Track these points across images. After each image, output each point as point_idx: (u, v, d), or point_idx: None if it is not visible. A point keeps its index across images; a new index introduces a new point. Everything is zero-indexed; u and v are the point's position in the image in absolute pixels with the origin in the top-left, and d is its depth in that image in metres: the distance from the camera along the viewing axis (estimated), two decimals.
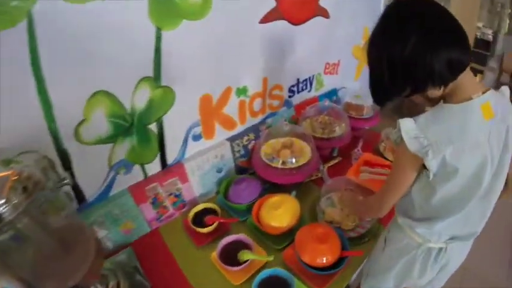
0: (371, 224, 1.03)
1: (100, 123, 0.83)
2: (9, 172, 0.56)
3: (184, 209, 1.15)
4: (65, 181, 0.65)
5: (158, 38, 0.83)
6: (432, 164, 0.63)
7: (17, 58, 0.64)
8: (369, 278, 0.96)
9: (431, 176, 0.65)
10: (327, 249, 0.83)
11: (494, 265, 1.80)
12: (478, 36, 6.51)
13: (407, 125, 0.63)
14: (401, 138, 0.63)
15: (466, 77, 0.63)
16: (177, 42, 0.87)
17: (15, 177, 0.56)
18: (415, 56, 0.60)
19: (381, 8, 1.72)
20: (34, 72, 0.67)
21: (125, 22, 0.76)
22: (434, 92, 0.65)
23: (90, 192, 0.92)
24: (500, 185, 0.71)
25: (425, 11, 0.62)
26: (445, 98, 0.67)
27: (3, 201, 0.52)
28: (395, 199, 0.74)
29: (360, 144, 1.46)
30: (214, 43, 0.97)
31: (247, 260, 0.88)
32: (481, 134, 0.62)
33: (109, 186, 0.96)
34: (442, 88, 0.63)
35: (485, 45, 5.94)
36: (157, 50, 0.84)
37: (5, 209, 0.52)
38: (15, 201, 0.53)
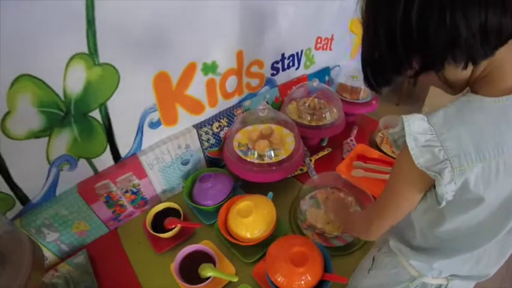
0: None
1: (29, 114, 0.67)
2: None
3: (146, 207, 0.99)
4: None
5: (90, 2, 0.63)
6: (448, 189, 0.43)
7: None
8: None
9: (442, 204, 0.45)
10: (304, 272, 0.67)
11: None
12: None
13: (416, 126, 0.43)
14: (405, 143, 0.44)
15: (510, 58, 0.42)
16: (116, 5, 0.67)
17: None
18: (427, 15, 0.39)
19: None
20: None
21: None
22: (458, 73, 0.44)
23: (33, 192, 0.78)
24: None
25: None
26: (474, 86, 0.46)
27: None
28: (388, 225, 0.56)
29: (354, 133, 1.29)
30: (168, 5, 0.76)
31: (209, 277, 0.73)
32: None
33: (53, 185, 0.80)
34: (470, 67, 0.43)
35: None
36: (90, 18, 0.64)
37: None
38: None
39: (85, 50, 0.68)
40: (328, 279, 0.68)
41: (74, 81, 0.70)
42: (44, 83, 0.66)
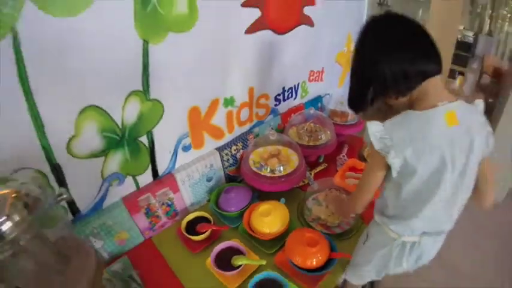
0: (354, 220, 1.10)
1: (91, 138, 0.87)
2: (8, 190, 0.59)
3: (176, 218, 1.19)
4: (63, 196, 0.68)
5: (145, 51, 0.88)
6: (395, 162, 0.71)
7: (4, 74, 0.66)
8: (351, 267, 1.02)
9: (394, 174, 0.73)
10: (316, 252, 0.89)
11: (483, 264, 1.86)
12: (459, 39, 6.79)
13: (374, 128, 0.72)
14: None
15: (432, 87, 0.71)
16: (164, 55, 0.92)
17: (15, 195, 0.59)
18: (373, 67, 0.73)
19: (364, 15, 1.83)
20: (23, 89, 0.70)
21: (111, 36, 0.79)
22: (401, 100, 0.75)
23: (84, 204, 0.95)
24: (466, 190, 0.77)
25: (395, 26, 0.72)
26: (411, 105, 0.74)
27: (4, 218, 0.55)
28: (367, 197, 0.81)
29: (345, 150, 1.54)
30: (200, 55, 1.02)
31: (241, 265, 0.93)
32: (441, 138, 0.69)
33: (102, 198, 0.99)
34: (406, 95, 0.73)
35: (466, 47, 6.18)
36: (145, 64, 0.89)
37: (7, 227, 0.55)
38: (17, 218, 0.56)
39: (140, 87, 0.92)
40: (335, 256, 0.90)
41: (130, 112, 0.93)
42: (106, 113, 0.88)
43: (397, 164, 0.71)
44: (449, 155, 0.69)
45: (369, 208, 0.86)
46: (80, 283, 0.65)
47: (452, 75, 6.01)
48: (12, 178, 0.65)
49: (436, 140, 0.68)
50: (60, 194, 0.68)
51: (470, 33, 6.93)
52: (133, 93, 0.90)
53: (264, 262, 0.94)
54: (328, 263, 0.91)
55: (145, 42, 0.86)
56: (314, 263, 0.88)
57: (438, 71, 0.71)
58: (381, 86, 0.73)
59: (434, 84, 0.71)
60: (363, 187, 0.81)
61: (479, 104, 0.77)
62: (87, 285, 0.65)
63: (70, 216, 0.94)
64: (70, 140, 0.83)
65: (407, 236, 0.83)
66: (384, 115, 0.77)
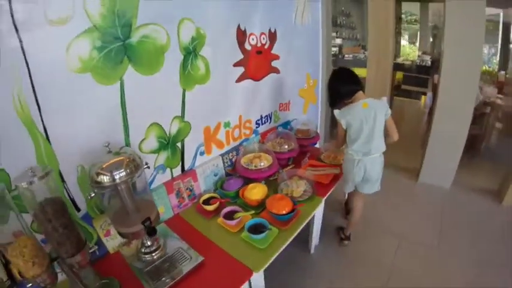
0: (310, 194, 1.80)
1: (152, 141, 1.55)
2: (123, 157, 1.20)
3: (194, 200, 1.84)
4: (147, 165, 1.33)
5: (184, 95, 1.60)
6: (343, 122, 1.80)
7: (114, 101, 1.33)
8: (343, 183, 2.04)
9: (344, 127, 1.81)
10: (285, 205, 1.58)
11: (427, 234, 2.46)
12: (418, 63, 7.97)
13: (337, 111, 1.82)
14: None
15: (359, 95, 1.78)
16: (193, 97, 1.64)
17: (127, 160, 1.22)
18: (336, 89, 1.84)
19: (320, 59, 2.66)
20: (121, 109, 1.36)
21: (168, 86, 1.52)
22: (348, 101, 1.81)
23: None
24: (376, 135, 1.75)
25: (342, 73, 1.79)
26: (352, 102, 1.76)
27: (121, 171, 1.17)
28: (340, 140, 1.91)
29: (308, 155, 2.27)
30: (212, 96, 1.75)
31: (239, 217, 1.59)
32: (360, 113, 1.73)
33: (151, 182, 1.64)
34: (350, 99, 1.78)
35: (425, 70, 7.24)
36: (183, 101, 1.61)
37: (120, 175, 1.16)
38: (127, 172, 1.20)
39: (179, 114, 1.63)
40: (295, 208, 1.60)
41: (173, 128, 1.62)
42: (162, 127, 1.57)
43: (344, 123, 1.79)
44: (364, 119, 1.72)
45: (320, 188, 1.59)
46: (151, 217, 1.30)
47: (417, 96, 6.97)
48: (122, 152, 1.28)
49: (358, 113, 1.74)
50: (146, 163, 1.33)
51: (428, 57, 8.15)
52: (176, 117, 1.61)
53: (252, 212, 1.61)
54: (292, 212, 1.59)
55: (184, 90, 1.59)
56: (284, 212, 1.56)
57: (361, 89, 1.74)
58: (340, 96, 1.82)
59: (359, 94, 1.75)
60: (337, 136, 1.91)
61: (384, 98, 1.77)
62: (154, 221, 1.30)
63: None
64: (141, 141, 1.50)
65: (356, 156, 1.77)
66: (343, 107, 1.75)
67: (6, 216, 1.00)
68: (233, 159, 2.05)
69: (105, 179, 1.13)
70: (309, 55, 2.59)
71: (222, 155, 1.96)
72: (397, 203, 2.84)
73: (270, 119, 2.36)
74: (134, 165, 1.20)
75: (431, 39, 8.75)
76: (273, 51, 2.14)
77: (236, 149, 2.06)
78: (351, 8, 7.38)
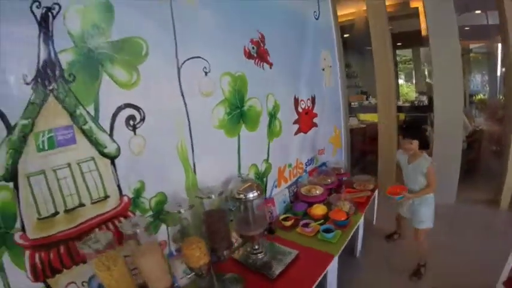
0: (354, 209, 2.81)
1: (251, 176, 2.58)
2: (251, 183, 2.19)
3: (273, 220, 2.83)
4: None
5: (268, 145, 2.68)
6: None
7: (234, 149, 2.37)
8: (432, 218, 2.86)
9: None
10: (342, 215, 2.60)
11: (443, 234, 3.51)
12: (417, 104, 9.39)
13: (430, 159, 2.68)
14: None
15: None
16: (272, 145, 2.72)
17: (255, 185, 2.23)
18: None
19: (341, 112, 3.83)
20: (238, 154, 2.39)
21: (261, 140, 2.60)
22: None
23: None
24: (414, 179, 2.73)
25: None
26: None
27: (256, 193, 2.20)
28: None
29: (343, 186, 3.33)
30: (282, 145, 2.84)
31: (312, 226, 2.59)
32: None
33: None
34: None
35: (424, 108, 8.61)
36: (268, 149, 2.69)
37: (251, 196, 2.21)
38: (259, 194, 2.23)
39: (266, 158, 2.69)
40: (347, 218, 2.62)
41: (262, 167, 2.68)
42: (257, 166, 2.62)
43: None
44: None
45: (359, 206, 2.64)
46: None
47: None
48: (247, 178, 2.28)
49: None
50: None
51: (425, 97, 9.62)
52: (264, 160, 2.67)
53: (319, 222, 2.61)
54: (347, 219, 2.60)
55: (268, 141, 2.68)
56: (342, 218, 2.58)
57: None
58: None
59: None
60: (434, 180, 2.67)
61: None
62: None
63: None
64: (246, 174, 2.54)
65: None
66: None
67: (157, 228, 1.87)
68: (294, 190, 3.09)
69: (242, 196, 2.10)
70: (333, 110, 3.76)
71: (288, 187, 3.00)
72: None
73: (312, 161, 3.44)
74: (259, 189, 2.19)
75: (427, 78, 10.26)
76: (314, 111, 3.29)
77: (295, 183, 3.11)
78: (350, 59, 8.89)
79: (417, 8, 7.10)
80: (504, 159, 4.00)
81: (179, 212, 1.67)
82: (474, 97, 10.40)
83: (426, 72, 10.68)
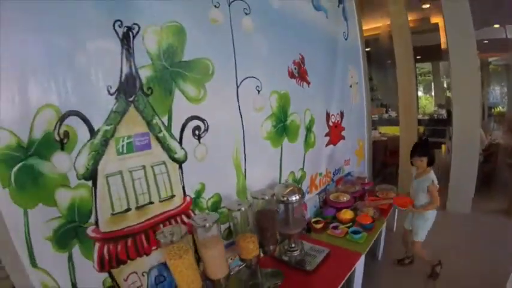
0: (378, 215, 3.13)
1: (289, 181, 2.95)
2: (293, 187, 2.57)
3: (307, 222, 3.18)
4: None
5: (304, 155, 3.03)
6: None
7: (277, 158, 2.76)
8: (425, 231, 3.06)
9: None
10: (368, 219, 2.93)
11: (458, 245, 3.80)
12: (436, 117, 9.70)
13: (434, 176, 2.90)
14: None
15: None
16: (307, 156, 3.07)
17: (297, 189, 2.58)
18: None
19: (365, 127, 4.17)
20: (280, 162, 2.72)
21: (299, 151, 2.97)
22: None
23: None
24: (417, 194, 3.01)
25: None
26: None
27: (298, 196, 2.55)
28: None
29: (367, 194, 3.65)
30: (315, 155, 3.20)
31: (341, 229, 2.92)
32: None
33: None
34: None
35: (443, 122, 8.92)
36: (304, 159, 3.04)
37: (294, 199, 2.56)
38: (300, 197, 2.58)
39: (302, 167, 3.05)
40: (371, 222, 2.95)
41: (298, 175, 3.04)
42: (294, 173, 2.96)
43: None
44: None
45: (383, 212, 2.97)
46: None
47: (437, 146, 8.53)
48: (290, 184, 2.64)
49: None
50: None
51: (443, 111, 9.93)
52: (300, 169, 3.04)
53: (347, 225, 2.94)
54: (372, 223, 2.93)
55: (304, 152, 3.04)
56: (368, 222, 2.90)
57: None
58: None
59: None
60: (437, 196, 2.86)
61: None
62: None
63: None
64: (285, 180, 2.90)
65: None
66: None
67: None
68: (323, 197, 3.43)
69: (286, 199, 2.48)
70: (358, 124, 4.11)
71: (318, 194, 3.35)
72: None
73: (339, 171, 3.78)
74: (301, 193, 2.53)
75: (447, 92, 10.51)
76: (342, 125, 3.64)
77: (323, 190, 3.46)
78: (371, 72, 9.22)
79: (437, 23, 7.43)
80: None
81: (239, 210, 1.99)
82: (493, 110, 10.64)
83: (445, 85, 10.96)
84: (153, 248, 1.75)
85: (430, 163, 2.95)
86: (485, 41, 8.83)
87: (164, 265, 1.80)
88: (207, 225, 1.66)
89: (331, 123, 3.44)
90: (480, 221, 4.24)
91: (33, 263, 1.32)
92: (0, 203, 1.22)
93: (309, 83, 3.00)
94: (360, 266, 2.60)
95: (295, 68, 2.79)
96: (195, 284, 1.60)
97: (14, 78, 1.24)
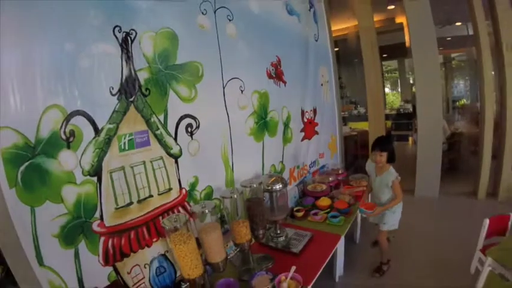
0: (353, 201, 3.47)
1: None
2: (276, 177, 2.83)
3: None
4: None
5: (283, 149, 3.32)
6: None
7: (260, 152, 3.04)
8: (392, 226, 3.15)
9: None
10: (344, 204, 3.26)
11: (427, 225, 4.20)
12: (402, 112, 10.29)
13: (395, 172, 3.02)
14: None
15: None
16: (286, 150, 3.37)
17: (280, 179, 2.85)
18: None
19: (336, 123, 4.55)
20: (262, 157, 2.98)
21: (278, 145, 3.25)
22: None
23: None
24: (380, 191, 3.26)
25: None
26: None
27: (281, 185, 2.81)
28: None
29: (342, 184, 3.99)
30: (293, 149, 3.49)
31: (321, 215, 3.23)
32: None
33: None
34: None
35: (408, 116, 9.51)
36: (283, 153, 3.33)
37: (278, 187, 2.83)
38: (283, 186, 2.85)
39: (281, 160, 3.34)
40: (350, 205, 3.28)
41: (278, 167, 3.32)
42: (275, 166, 3.26)
43: None
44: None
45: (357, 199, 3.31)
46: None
47: (403, 139, 9.09)
48: (273, 174, 2.91)
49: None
50: None
51: (409, 105, 10.56)
52: (280, 161, 3.32)
53: (325, 211, 3.25)
54: (349, 207, 3.25)
55: (283, 146, 3.34)
56: (345, 207, 3.23)
57: None
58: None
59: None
60: (400, 192, 2.96)
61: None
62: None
63: None
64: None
65: None
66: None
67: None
68: (301, 188, 3.74)
69: (271, 187, 2.73)
70: (330, 120, 4.47)
71: (297, 185, 3.65)
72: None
73: (315, 163, 4.10)
74: (284, 182, 2.79)
75: (413, 87, 11.18)
76: (315, 121, 3.96)
77: (301, 182, 3.76)
78: (339, 71, 9.67)
79: (402, 23, 7.95)
80: (480, 157, 4.81)
81: (231, 197, 2.16)
82: (457, 102, 11.40)
83: (412, 81, 11.63)
84: (154, 239, 1.89)
85: (390, 159, 2.99)
86: (449, 38, 9.50)
87: (164, 256, 1.98)
88: (207, 211, 1.90)
89: (305, 119, 3.75)
90: (448, 203, 4.74)
91: (40, 262, 1.37)
92: (7, 203, 1.27)
93: (285, 83, 3.28)
94: (340, 246, 2.94)
95: (272, 69, 3.07)
96: (198, 269, 1.77)
97: (21, 80, 1.30)
